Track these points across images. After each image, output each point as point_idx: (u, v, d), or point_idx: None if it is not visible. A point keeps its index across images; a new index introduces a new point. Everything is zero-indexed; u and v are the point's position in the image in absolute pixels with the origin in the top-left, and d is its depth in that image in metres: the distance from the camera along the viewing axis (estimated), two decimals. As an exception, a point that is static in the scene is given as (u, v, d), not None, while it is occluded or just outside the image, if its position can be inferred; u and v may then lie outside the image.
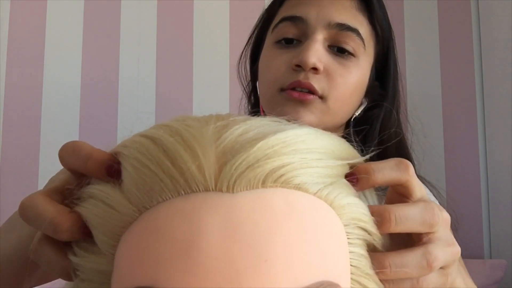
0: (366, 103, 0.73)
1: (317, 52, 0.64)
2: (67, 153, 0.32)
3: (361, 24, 0.69)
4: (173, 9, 1.56)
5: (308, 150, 0.30)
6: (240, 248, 0.26)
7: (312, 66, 0.64)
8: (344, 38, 0.66)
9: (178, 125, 0.30)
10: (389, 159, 0.35)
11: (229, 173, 0.27)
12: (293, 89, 0.65)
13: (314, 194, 0.30)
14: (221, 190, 0.28)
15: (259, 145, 0.28)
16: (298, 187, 0.29)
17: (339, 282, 0.29)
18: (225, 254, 0.26)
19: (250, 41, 0.81)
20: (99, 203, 0.30)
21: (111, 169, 0.30)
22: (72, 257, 0.31)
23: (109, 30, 1.52)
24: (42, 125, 1.44)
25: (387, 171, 0.34)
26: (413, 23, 1.63)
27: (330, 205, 0.30)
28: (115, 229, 0.29)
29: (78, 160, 0.31)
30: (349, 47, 0.67)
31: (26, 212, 0.32)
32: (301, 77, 0.64)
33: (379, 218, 0.32)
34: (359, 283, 0.31)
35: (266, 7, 0.78)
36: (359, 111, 0.72)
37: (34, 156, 1.43)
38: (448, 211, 0.39)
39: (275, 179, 0.28)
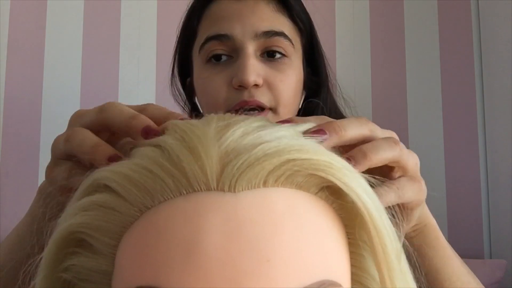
0: (305, 93, 0.75)
1: (253, 68, 0.65)
2: (112, 109, 0.37)
3: (284, 25, 0.70)
4: (173, 9, 1.56)
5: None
6: (241, 248, 0.26)
7: (253, 84, 0.65)
8: (273, 43, 0.67)
9: (181, 124, 0.30)
10: (379, 139, 0.38)
11: (231, 173, 0.27)
12: (239, 109, 0.65)
13: (315, 194, 0.30)
14: (222, 190, 0.27)
15: (260, 145, 0.28)
16: (299, 187, 0.29)
17: (340, 281, 0.29)
18: (226, 254, 0.26)
19: (174, 61, 0.81)
20: (98, 207, 0.29)
21: (150, 131, 0.33)
22: (72, 257, 0.31)
23: (109, 30, 1.52)
24: (42, 125, 1.44)
25: (382, 151, 0.36)
26: (413, 23, 1.63)
27: (331, 205, 0.30)
28: (116, 229, 0.29)
29: (120, 117, 0.35)
30: (280, 49, 0.68)
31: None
32: (246, 96, 0.65)
33: (353, 159, 0.34)
34: (360, 283, 0.32)
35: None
36: (301, 103, 0.74)
37: (34, 156, 1.43)
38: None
39: (276, 178, 0.28)
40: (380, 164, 0.36)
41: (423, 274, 0.46)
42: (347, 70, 1.58)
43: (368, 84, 1.62)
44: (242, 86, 0.65)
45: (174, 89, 0.83)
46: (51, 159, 0.39)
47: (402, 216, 0.40)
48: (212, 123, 0.30)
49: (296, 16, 0.72)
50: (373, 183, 0.33)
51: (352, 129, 0.36)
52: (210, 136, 0.29)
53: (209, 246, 0.26)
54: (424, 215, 0.47)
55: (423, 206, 0.45)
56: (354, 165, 0.33)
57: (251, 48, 0.66)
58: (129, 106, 0.38)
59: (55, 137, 0.46)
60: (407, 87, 1.61)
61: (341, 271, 0.29)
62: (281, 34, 0.68)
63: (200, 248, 0.26)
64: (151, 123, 0.34)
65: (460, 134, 1.57)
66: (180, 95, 0.82)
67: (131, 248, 0.28)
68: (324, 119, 0.38)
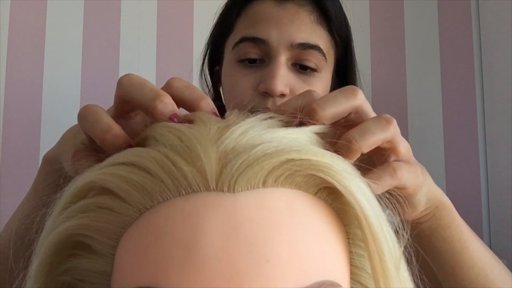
0: None
1: (283, 78, 0.64)
2: (136, 84, 0.35)
3: (321, 38, 0.69)
4: (173, 9, 1.56)
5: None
6: (241, 248, 0.26)
7: (279, 94, 0.64)
8: (306, 56, 0.66)
9: (179, 126, 0.30)
10: (368, 120, 0.36)
11: (230, 173, 0.27)
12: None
13: (315, 194, 0.30)
14: (222, 190, 0.27)
15: (259, 145, 0.28)
16: (298, 187, 0.29)
17: (340, 281, 0.29)
18: (226, 254, 0.26)
19: (207, 49, 0.80)
20: (97, 209, 0.29)
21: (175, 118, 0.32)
22: (71, 260, 0.31)
23: (109, 30, 1.52)
24: (42, 125, 1.44)
25: (372, 134, 0.35)
26: (413, 23, 1.63)
27: (330, 205, 0.30)
28: (115, 230, 0.29)
29: (145, 95, 0.34)
30: (311, 64, 0.67)
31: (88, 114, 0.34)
32: (269, 104, 0.64)
33: (344, 147, 0.33)
34: (360, 283, 0.32)
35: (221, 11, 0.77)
36: None
37: (34, 156, 1.43)
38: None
39: (275, 179, 0.28)
40: (372, 148, 0.35)
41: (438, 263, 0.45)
42: (347, 70, 1.58)
43: (368, 84, 1.61)
44: (267, 93, 0.64)
45: (202, 76, 0.82)
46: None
47: (406, 202, 0.38)
48: (213, 123, 0.30)
49: (335, 30, 0.71)
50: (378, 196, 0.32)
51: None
52: (210, 137, 0.29)
53: (208, 246, 0.26)
54: (433, 196, 0.45)
55: (429, 189, 0.44)
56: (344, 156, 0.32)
57: (283, 57, 0.66)
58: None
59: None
60: (407, 87, 1.61)
61: (340, 271, 0.29)
62: (315, 47, 0.67)
63: (199, 248, 0.26)
64: (176, 110, 0.33)
65: (460, 134, 1.57)
66: (207, 82, 0.82)
67: (130, 248, 0.28)
68: (307, 95, 0.36)
